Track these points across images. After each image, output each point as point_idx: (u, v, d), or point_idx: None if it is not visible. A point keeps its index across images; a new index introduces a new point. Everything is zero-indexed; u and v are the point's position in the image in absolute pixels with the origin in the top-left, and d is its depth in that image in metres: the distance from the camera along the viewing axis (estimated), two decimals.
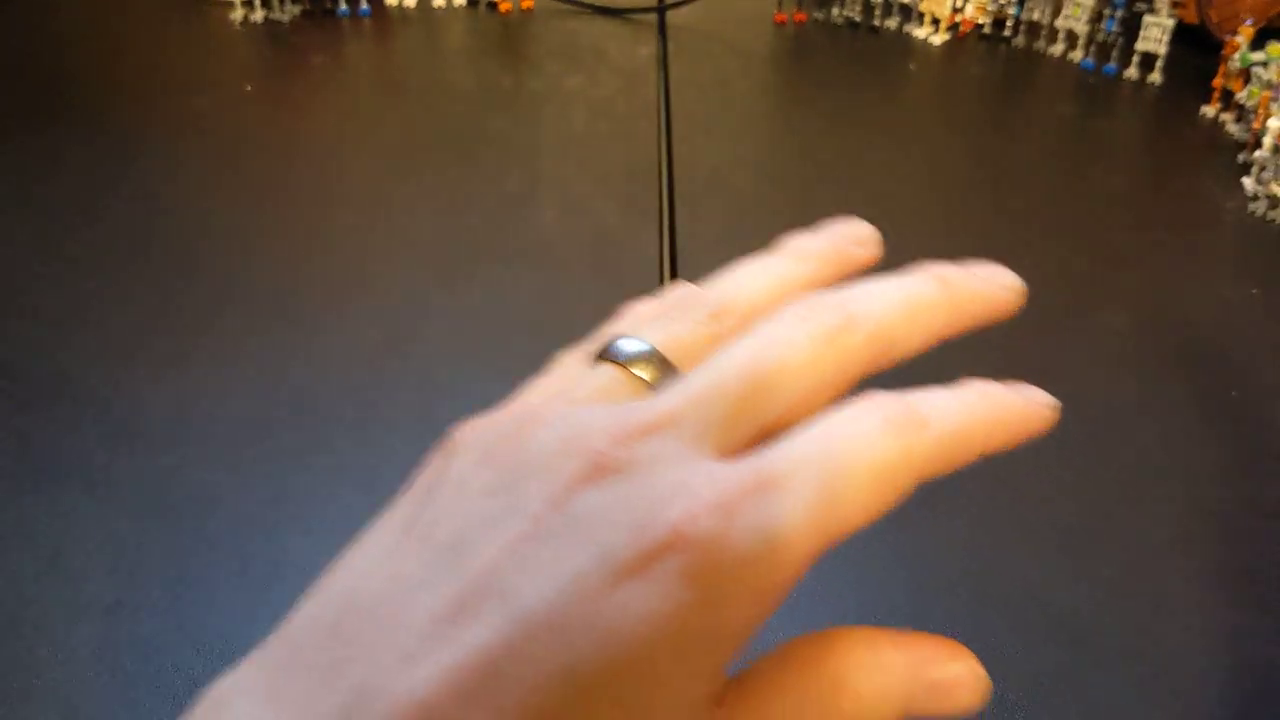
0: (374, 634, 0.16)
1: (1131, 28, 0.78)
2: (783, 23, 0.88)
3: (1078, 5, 0.80)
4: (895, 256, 0.66)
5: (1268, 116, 0.63)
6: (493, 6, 0.89)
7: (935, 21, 0.86)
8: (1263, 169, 0.61)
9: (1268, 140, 0.61)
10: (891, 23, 0.88)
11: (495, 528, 0.17)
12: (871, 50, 0.84)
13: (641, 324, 0.21)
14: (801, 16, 0.89)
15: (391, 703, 0.15)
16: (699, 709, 0.16)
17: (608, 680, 0.15)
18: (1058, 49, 0.82)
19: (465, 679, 0.15)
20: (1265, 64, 0.67)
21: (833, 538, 0.17)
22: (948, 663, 0.20)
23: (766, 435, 0.18)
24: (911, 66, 0.82)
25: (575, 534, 0.16)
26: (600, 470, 0.17)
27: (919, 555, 0.38)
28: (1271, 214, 0.60)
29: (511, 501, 0.17)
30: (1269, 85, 0.65)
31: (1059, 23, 0.81)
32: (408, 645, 0.16)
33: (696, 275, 0.61)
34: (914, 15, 0.87)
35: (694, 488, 0.16)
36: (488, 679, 0.15)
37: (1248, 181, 0.63)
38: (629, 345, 0.20)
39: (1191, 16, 0.79)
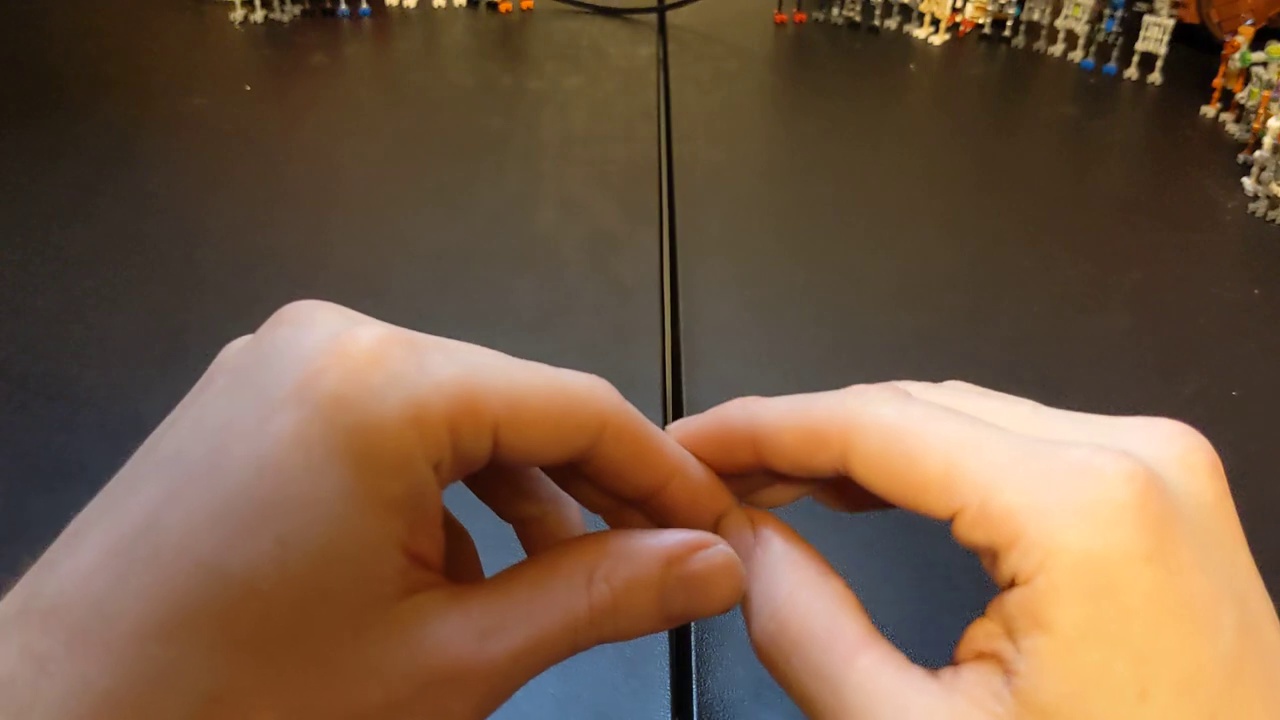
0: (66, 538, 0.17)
1: (1131, 28, 0.78)
2: (783, 23, 0.88)
3: (1078, 5, 0.80)
4: (895, 256, 0.66)
5: (1268, 116, 0.63)
6: (493, 6, 0.89)
7: (935, 22, 0.86)
8: (1263, 169, 0.62)
9: (1268, 140, 0.61)
10: (891, 23, 0.88)
11: (186, 408, 0.18)
12: (871, 50, 0.84)
13: None
14: (801, 16, 0.89)
15: (56, 585, 0.16)
16: (383, 551, 0.16)
17: (266, 515, 0.16)
18: (1058, 49, 0.82)
19: (122, 541, 0.16)
20: (1265, 64, 0.67)
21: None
22: (700, 554, 0.19)
23: None
24: (911, 67, 0.82)
25: (241, 385, 0.17)
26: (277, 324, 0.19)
27: (922, 556, 0.37)
28: (1271, 214, 0.60)
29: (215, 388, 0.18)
30: (1269, 85, 0.65)
31: (1059, 23, 0.81)
32: (74, 529, 0.17)
33: (696, 275, 0.61)
34: (914, 15, 0.87)
35: (355, 333, 0.17)
36: (144, 535, 0.16)
37: (1248, 181, 0.63)
38: None
39: (1191, 16, 0.79)
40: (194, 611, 0.15)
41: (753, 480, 0.23)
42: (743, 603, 0.20)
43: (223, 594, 0.15)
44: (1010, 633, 0.17)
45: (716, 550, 0.19)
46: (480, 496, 0.23)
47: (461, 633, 0.17)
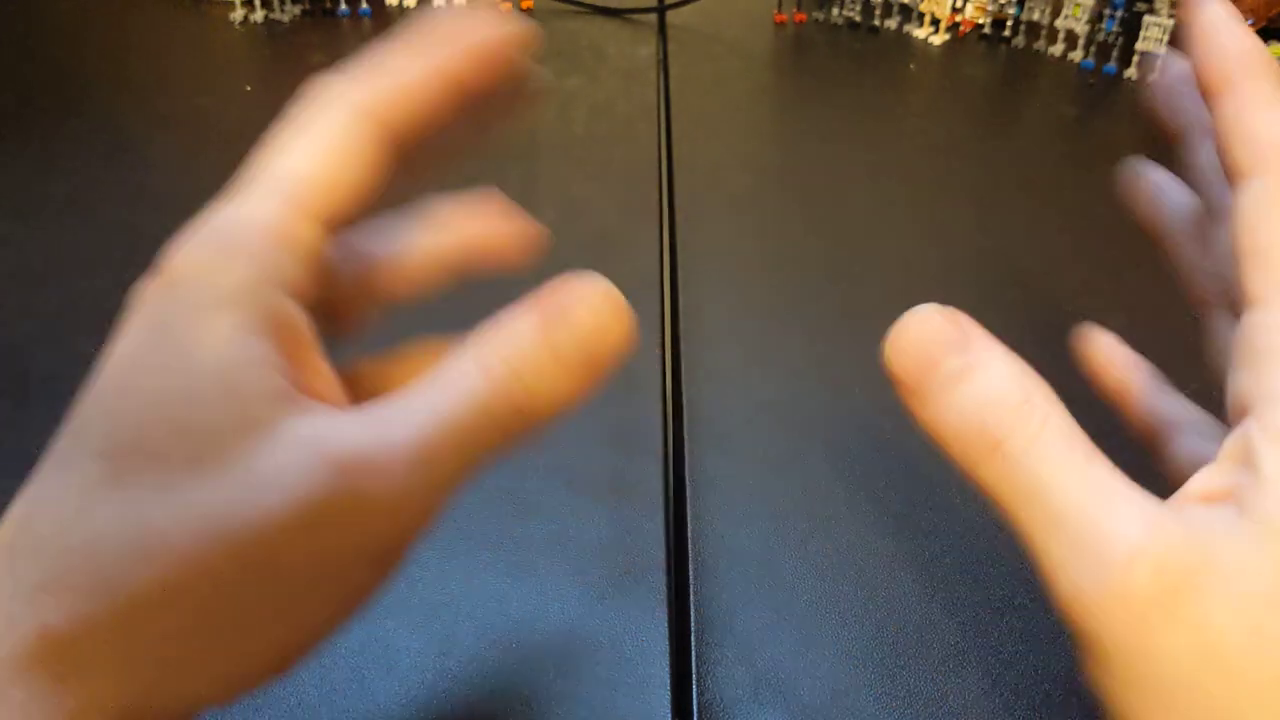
0: None
1: (1131, 28, 0.78)
2: (783, 23, 0.88)
3: (1078, 5, 0.80)
4: (894, 255, 0.66)
5: None
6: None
7: (935, 21, 0.86)
8: None
9: None
10: (891, 23, 0.88)
11: None
12: (871, 50, 0.84)
13: None
14: (801, 16, 0.89)
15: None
16: (251, 370, 0.17)
17: (136, 379, 0.18)
18: (1058, 49, 0.82)
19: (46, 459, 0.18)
20: None
21: None
22: (568, 291, 0.19)
23: None
24: (911, 66, 0.82)
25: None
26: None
27: (926, 560, 0.38)
28: None
29: None
30: None
31: (1059, 23, 0.81)
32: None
33: (697, 275, 0.61)
34: (914, 15, 0.87)
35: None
36: (59, 453, 0.18)
37: None
38: None
39: None
40: (97, 493, 0.16)
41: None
42: (953, 388, 0.19)
43: (117, 466, 0.17)
44: (1253, 449, 0.17)
45: (590, 287, 0.19)
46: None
47: (358, 427, 0.17)
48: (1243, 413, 0.18)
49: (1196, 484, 0.18)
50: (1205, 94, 0.21)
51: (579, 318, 0.19)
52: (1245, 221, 0.19)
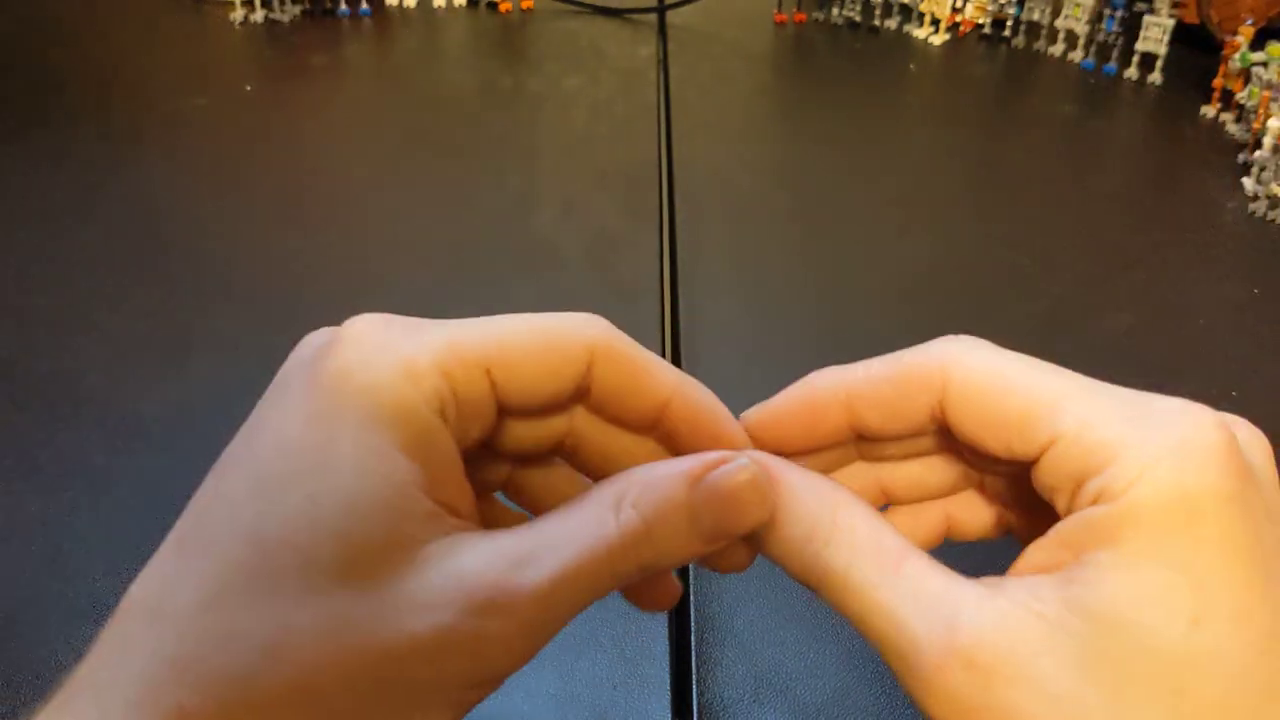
0: None
1: (1131, 28, 0.78)
2: (783, 23, 0.89)
3: (1078, 5, 0.80)
4: (895, 255, 0.66)
5: (1268, 116, 0.63)
6: (493, 6, 0.89)
7: (935, 21, 0.86)
8: (1263, 169, 0.61)
9: (1268, 140, 0.61)
10: (891, 23, 0.88)
11: None
12: (871, 50, 0.84)
13: None
14: (801, 16, 0.89)
15: (138, 581, 0.18)
16: (405, 492, 0.18)
17: (294, 481, 0.18)
18: (1058, 49, 0.82)
19: (181, 531, 0.18)
20: (1265, 64, 0.67)
21: None
22: (724, 469, 0.20)
23: None
24: (911, 66, 0.82)
25: (271, 389, 0.20)
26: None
27: None
28: (1271, 214, 0.60)
29: None
30: (1269, 85, 0.65)
31: (1059, 23, 0.81)
32: None
33: (697, 275, 0.61)
34: (914, 15, 0.87)
35: (352, 321, 0.20)
36: (197, 522, 0.18)
37: (1248, 181, 0.63)
38: None
39: (1191, 16, 0.79)
40: (241, 578, 0.17)
41: (835, 456, 0.24)
42: (770, 533, 0.20)
43: (264, 555, 0.17)
44: (1074, 546, 0.18)
45: (739, 465, 0.20)
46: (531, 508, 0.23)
47: (494, 563, 0.18)
48: (1104, 467, 0.18)
49: (1026, 560, 0.20)
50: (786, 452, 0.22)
51: (728, 500, 0.19)
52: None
